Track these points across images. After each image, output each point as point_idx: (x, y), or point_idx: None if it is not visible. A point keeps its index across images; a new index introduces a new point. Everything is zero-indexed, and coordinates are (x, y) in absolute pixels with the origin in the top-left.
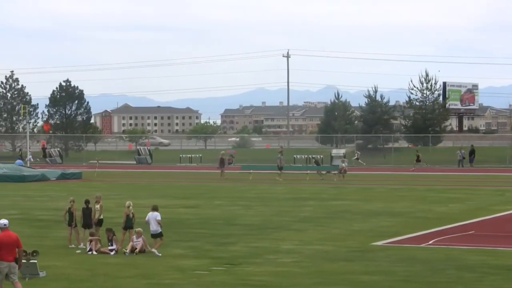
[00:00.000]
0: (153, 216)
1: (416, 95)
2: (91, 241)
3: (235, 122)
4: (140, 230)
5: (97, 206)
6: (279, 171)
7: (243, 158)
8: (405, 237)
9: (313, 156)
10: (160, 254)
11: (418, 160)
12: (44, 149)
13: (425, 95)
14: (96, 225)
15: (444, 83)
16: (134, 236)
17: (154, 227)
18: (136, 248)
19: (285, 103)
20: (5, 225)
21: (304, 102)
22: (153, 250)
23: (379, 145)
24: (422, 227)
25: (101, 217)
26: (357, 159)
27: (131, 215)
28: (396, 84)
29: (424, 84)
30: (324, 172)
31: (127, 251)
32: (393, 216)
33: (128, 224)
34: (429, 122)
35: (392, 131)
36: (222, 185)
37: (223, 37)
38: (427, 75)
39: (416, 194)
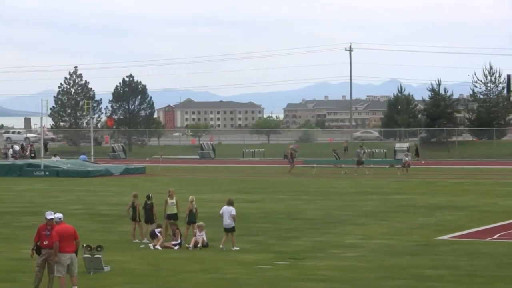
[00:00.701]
0: (228, 210)
1: (480, 88)
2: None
3: (298, 117)
4: (202, 224)
5: (173, 201)
6: (358, 165)
7: (306, 152)
8: (470, 231)
9: (334, 149)
10: (238, 248)
11: (417, 154)
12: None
13: (489, 88)
14: (173, 219)
15: (509, 76)
16: (197, 230)
17: (228, 221)
18: (198, 243)
19: (348, 97)
20: (60, 218)
21: (367, 96)
22: (232, 247)
23: (442, 139)
24: (487, 221)
25: (175, 211)
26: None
27: (194, 210)
28: (460, 77)
29: (488, 77)
30: (341, 166)
31: (190, 246)
32: (458, 210)
33: (191, 219)
34: (493, 115)
35: (455, 124)
36: (285, 179)
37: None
38: (491, 67)
39: (481, 188)
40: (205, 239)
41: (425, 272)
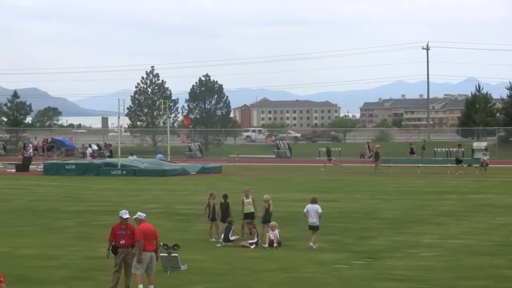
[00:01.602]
0: (314, 208)
1: None
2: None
3: (374, 115)
4: (274, 224)
5: (249, 200)
6: (457, 165)
7: (382, 152)
8: None
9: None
10: (316, 246)
11: (411, 153)
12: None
13: None
14: (249, 218)
15: None
16: (270, 229)
17: (314, 219)
18: (274, 241)
19: (425, 96)
20: (144, 217)
21: (444, 95)
22: (310, 244)
23: None
24: None
25: (251, 210)
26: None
27: (270, 209)
28: None
29: None
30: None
31: (266, 245)
32: None
33: (267, 218)
34: None
35: None
36: (361, 178)
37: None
38: None
39: None
40: (278, 237)
41: (504, 272)
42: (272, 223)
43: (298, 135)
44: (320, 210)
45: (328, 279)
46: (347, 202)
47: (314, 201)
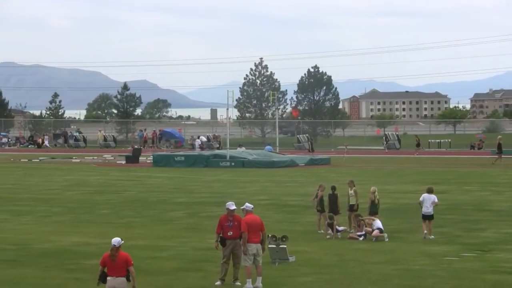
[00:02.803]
0: (430, 198)
1: None
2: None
3: (485, 106)
4: (374, 218)
5: (351, 192)
6: None
7: (493, 143)
8: None
9: None
10: (432, 237)
11: (418, 145)
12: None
13: None
14: (351, 209)
15: None
16: (373, 221)
17: (429, 209)
18: (378, 233)
19: None
20: (252, 208)
21: None
22: (426, 234)
23: None
24: None
25: (356, 202)
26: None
27: (376, 201)
28: None
29: None
30: None
31: (374, 238)
32: None
33: (373, 210)
34: None
35: None
36: (471, 170)
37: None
38: None
39: None
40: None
41: None
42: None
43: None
44: (436, 200)
45: (437, 272)
46: (456, 194)
47: (430, 191)
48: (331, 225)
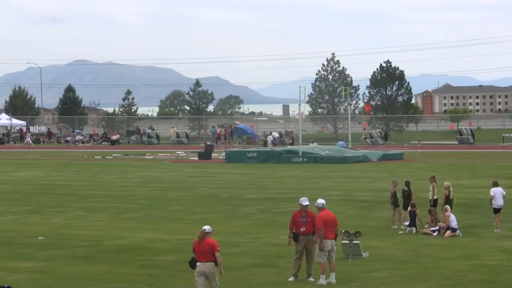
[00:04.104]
0: (500, 191)
1: None
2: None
3: None
4: (447, 211)
5: (430, 187)
6: None
7: None
8: None
9: None
10: (498, 231)
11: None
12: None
13: None
14: (430, 205)
15: None
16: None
17: (501, 202)
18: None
19: None
20: (323, 204)
21: None
22: (496, 229)
23: None
24: None
25: (435, 197)
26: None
27: (450, 196)
28: None
29: None
30: None
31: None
32: None
33: (447, 205)
34: None
35: None
36: None
37: None
38: None
39: None
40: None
41: None
42: (446, 206)
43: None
44: (504, 192)
45: None
46: None
47: (496, 184)
48: (413, 213)
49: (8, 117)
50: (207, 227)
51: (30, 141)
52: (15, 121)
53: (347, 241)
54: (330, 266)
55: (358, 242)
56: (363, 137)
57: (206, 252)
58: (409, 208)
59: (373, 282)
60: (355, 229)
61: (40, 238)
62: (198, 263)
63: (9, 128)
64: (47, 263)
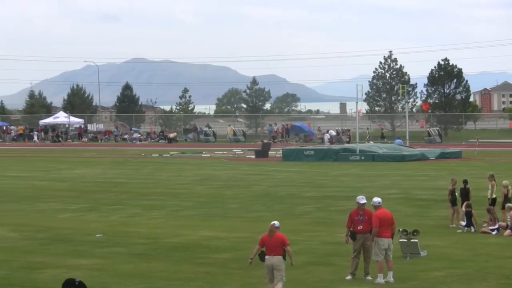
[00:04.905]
0: None
1: None
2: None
3: None
4: (509, 205)
5: (489, 186)
6: None
7: None
8: None
9: None
10: None
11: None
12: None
13: None
14: (489, 204)
15: None
16: (508, 214)
17: None
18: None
19: None
20: (379, 203)
21: None
22: None
23: None
24: None
25: (494, 196)
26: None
27: (509, 194)
28: None
29: None
30: None
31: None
32: None
33: (506, 203)
34: None
35: None
36: None
37: None
38: None
39: None
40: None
41: None
42: (509, 204)
43: None
44: None
45: None
46: None
47: None
48: (469, 213)
49: (66, 115)
50: (276, 222)
51: (38, 139)
52: (73, 119)
53: (405, 240)
54: (388, 265)
55: (416, 240)
56: (367, 137)
57: (276, 246)
58: (464, 208)
59: (431, 281)
60: (413, 228)
61: (98, 235)
62: (267, 257)
63: (67, 126)
64: (105, 261)
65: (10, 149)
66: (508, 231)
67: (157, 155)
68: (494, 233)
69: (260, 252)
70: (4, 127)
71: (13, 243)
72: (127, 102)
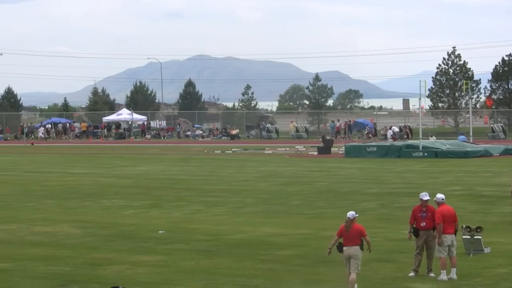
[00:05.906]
0: None
1: None
2: None
3: None
4: None
5: None
6: None
7: None
8: None
9: None
10: None
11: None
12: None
13: None
14: None
15: None
16: None
17: None
18: None
19: None
20: (442, 199)
21: None
22: None
23: None
24: None
25: None
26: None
27: None
28: None
29: None
30: None
31: None
32: None
33: None
34: None
35: None
36: None
37: None
38: None
39: None
40: None
41: None
42: None
43: None
44: None
45: None
46: None
47: None
48: None
49: (129, 112)
50: (351, 214)
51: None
52: (136, 116)
53: (469, 237)
54: (451, 262)
55: (480, 237)
56: (366, 132)
57: (354, 237)
58: None
59: (495, 278)
60: (477, 225)
61: (160, 232)
62: (344, 248)
63: (130, 123)
64: (168, 257)
65: (74, 146)
66: None
67: (220, 151)
68: None
69: (338, 243)
70: (68, 124)
71: (77, 239)
72: (190, 99)
